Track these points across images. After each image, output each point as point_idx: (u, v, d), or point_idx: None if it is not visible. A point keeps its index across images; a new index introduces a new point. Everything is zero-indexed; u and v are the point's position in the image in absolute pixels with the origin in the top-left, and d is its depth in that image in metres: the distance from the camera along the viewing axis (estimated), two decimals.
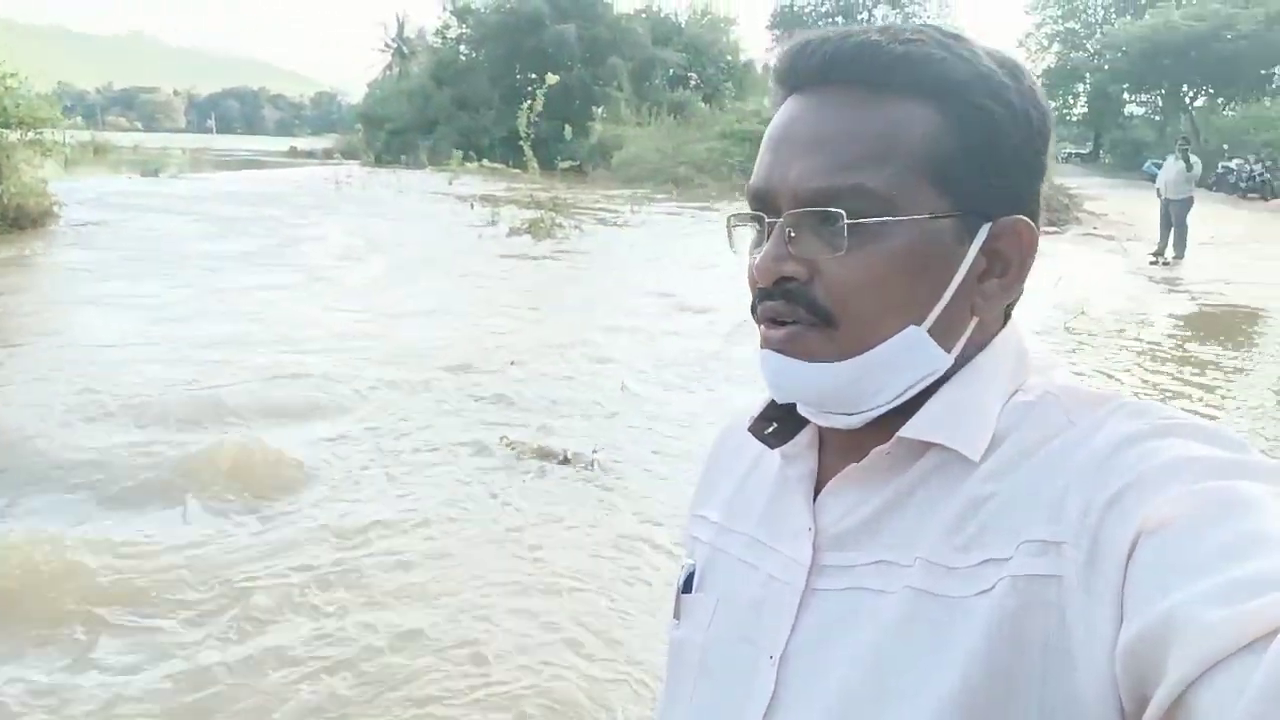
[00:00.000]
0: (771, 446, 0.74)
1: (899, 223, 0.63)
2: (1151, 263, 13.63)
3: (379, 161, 35.16)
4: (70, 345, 6.60)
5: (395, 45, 53.98)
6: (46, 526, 3.64)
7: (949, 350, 0.66)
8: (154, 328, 7.23)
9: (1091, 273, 12.21)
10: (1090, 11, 49.60)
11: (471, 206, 16.03)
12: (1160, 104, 44.81)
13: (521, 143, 15.89)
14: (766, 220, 0.67)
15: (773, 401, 0.75)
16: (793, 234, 0.65)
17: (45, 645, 2.90)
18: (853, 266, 0.64)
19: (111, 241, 12.40)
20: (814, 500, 0.71)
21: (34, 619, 3.03)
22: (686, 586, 0.79)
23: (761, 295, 0.67)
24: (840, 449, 0.71)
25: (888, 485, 0.67)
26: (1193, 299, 10.76)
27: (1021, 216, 0.67)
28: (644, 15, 44.81)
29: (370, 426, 5.03)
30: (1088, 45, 47.62)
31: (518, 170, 17.35)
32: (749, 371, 6.59)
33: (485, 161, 18.96)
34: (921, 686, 0.59)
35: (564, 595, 3.39)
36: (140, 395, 5.28)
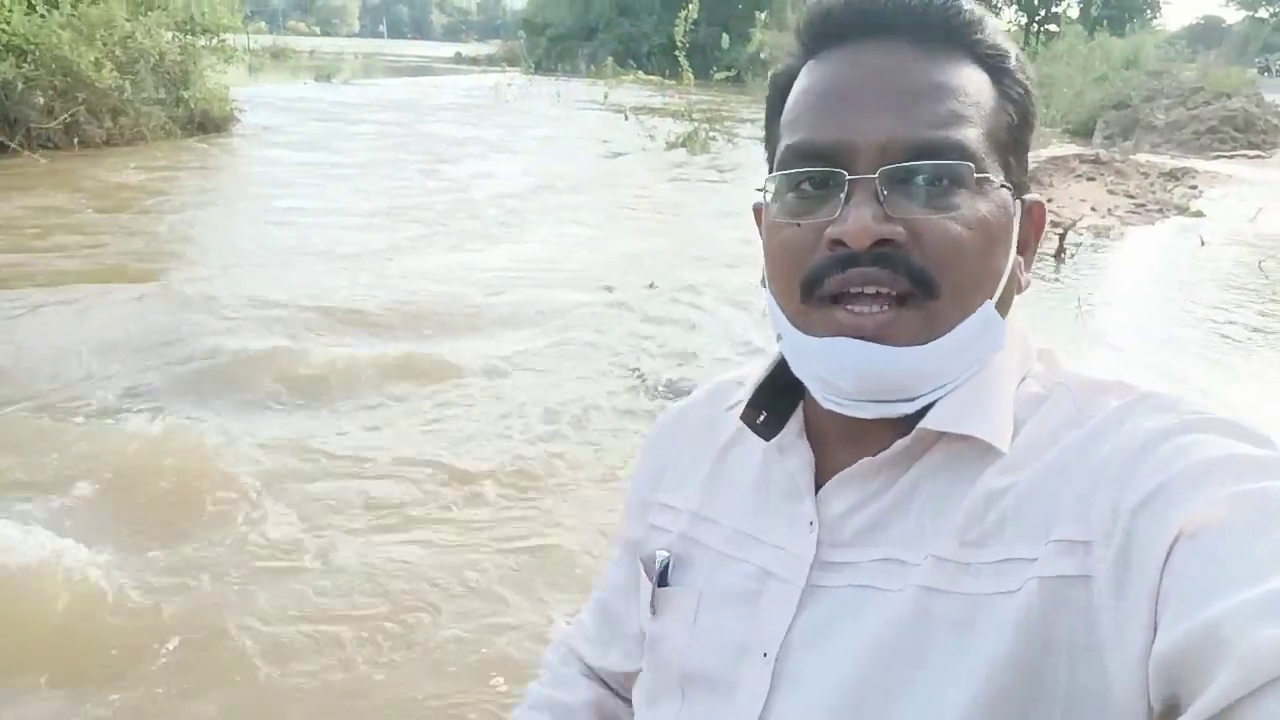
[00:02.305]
0: (766, 439, 0.71)
1: (993, 186, 0.61)
2: None
3: (539, 69, 35.30)
4: (243, 255, 7.01)
5: None
6: (209, 423, 3.91)
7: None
8: (339, 240, 7.58)
9: None
10: None
11: (626, 118, 15.89)
12: None
13: (676, 52, 15.56)
14: (848, 178, 0.60)
15: (761, 388, 0.71)
16: (885, 193, 0.60)
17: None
18: (956, 228, 0.60)
19: (290, 150, 13.00)
20: (815, 492, 0.68)
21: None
22: (662, 579, 0.76)
23: (844, 263, 0.61)
24: (841, 439, 0.67)
25: (896, 479, 0.64)
26: None
27: (1037, 198, 0.67)
28: None
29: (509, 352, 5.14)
30: None
31: (673, 81, 17.03)
32: None
33: (641, 72, 18.73)
34: (942, 685, 0.57)
35: None
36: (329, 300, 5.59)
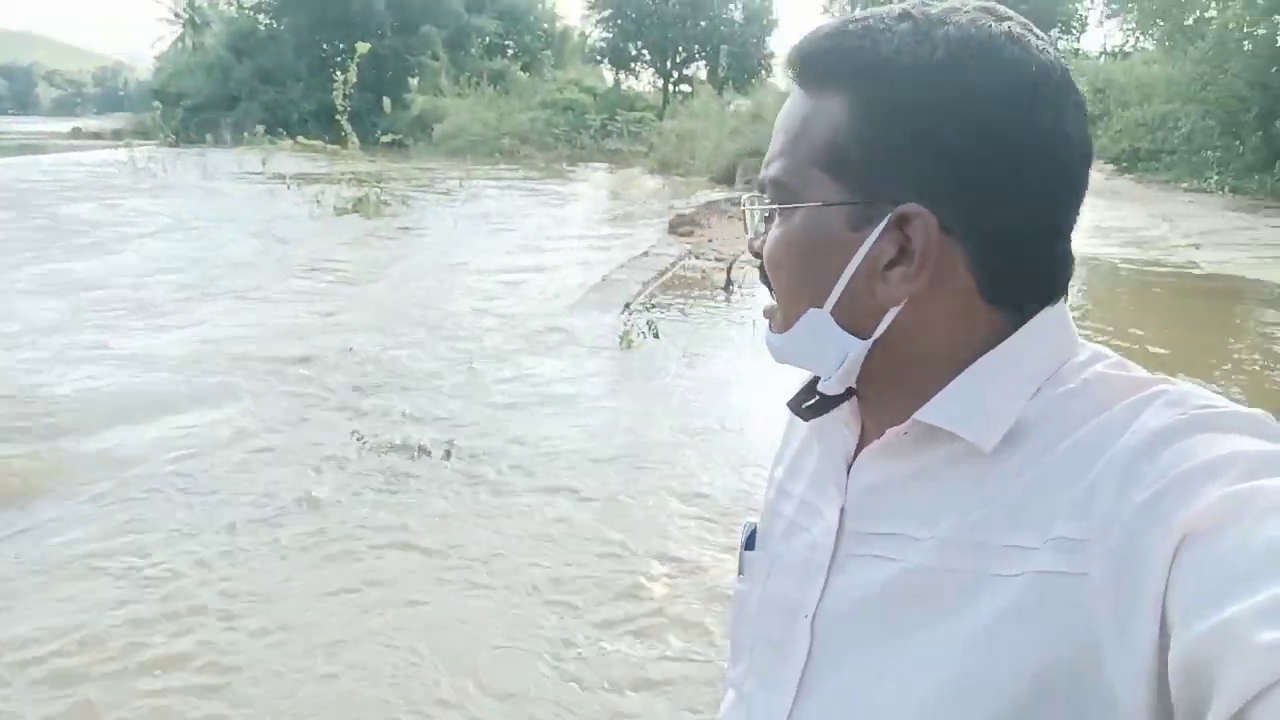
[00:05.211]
0: (805, 419, 0.77)
1: (794, 210, 0.69)
2: None
3: (179, 140, 32.73)
4: None
5: (186, 15, 50.07)
6: None
7: (863, 334, 0.67)
8: None
9: None
10: None
11: (288, 187, 15.18)
12: None
13: (338, 117, 15.13)
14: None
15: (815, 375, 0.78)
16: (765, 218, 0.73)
17: None
18: (769, 248, 0.71)
19: None
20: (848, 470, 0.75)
21: None
22: (749, 544, 0.83)
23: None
24: (876, 423, 0.73)
25: (912, 463, 0.69)
26: None
27: (919, 207, 0.63)
28: None
29: (190, 439, 4.71)
30: None
31: (335, 146, 16.55)
32: (596, 342, 6.60)
33: (300, 138, 17.97)
34: (924, 660, 0.61)
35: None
36: None
